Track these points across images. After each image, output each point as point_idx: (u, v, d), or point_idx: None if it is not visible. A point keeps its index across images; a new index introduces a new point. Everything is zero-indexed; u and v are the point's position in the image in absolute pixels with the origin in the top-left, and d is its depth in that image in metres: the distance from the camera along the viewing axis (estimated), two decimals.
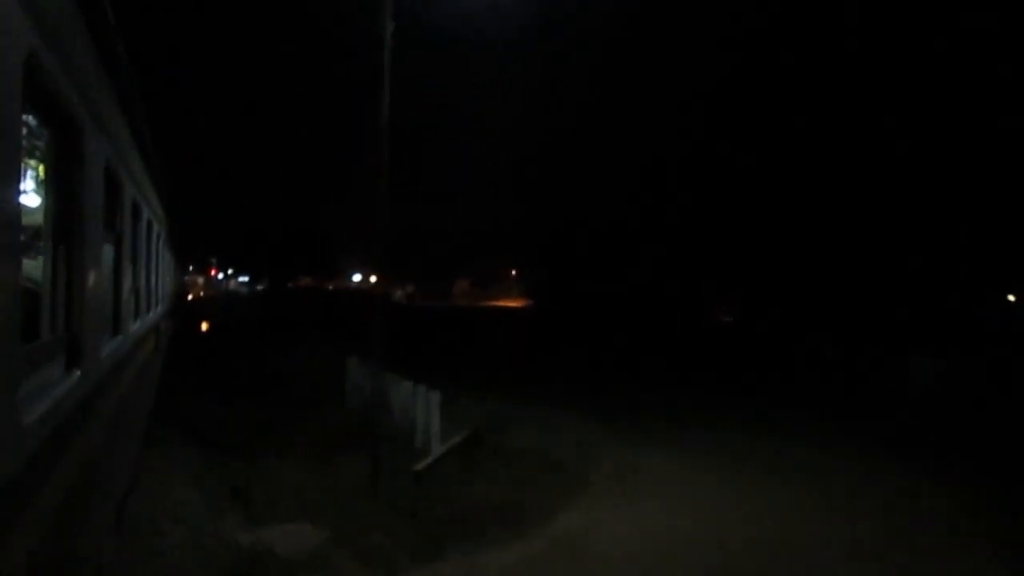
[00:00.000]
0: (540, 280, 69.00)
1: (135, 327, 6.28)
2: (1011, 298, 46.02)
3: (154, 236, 9.01)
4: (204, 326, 37.81)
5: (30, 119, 2.83)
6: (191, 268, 77.67)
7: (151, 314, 8.78)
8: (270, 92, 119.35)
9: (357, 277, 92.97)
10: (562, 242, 65.26)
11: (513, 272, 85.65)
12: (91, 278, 3.54)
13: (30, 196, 3.20)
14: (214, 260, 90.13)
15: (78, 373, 3.19)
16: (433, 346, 29.29)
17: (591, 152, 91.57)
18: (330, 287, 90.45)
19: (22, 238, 2.39)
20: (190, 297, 63.98)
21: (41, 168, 3.28)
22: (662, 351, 30.15)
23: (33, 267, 3.09)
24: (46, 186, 3.21)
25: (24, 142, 2.52)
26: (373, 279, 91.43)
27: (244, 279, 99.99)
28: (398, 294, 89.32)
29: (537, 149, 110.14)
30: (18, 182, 2.15)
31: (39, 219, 3.22)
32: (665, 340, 35.04)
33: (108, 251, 4.79)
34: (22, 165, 2.36)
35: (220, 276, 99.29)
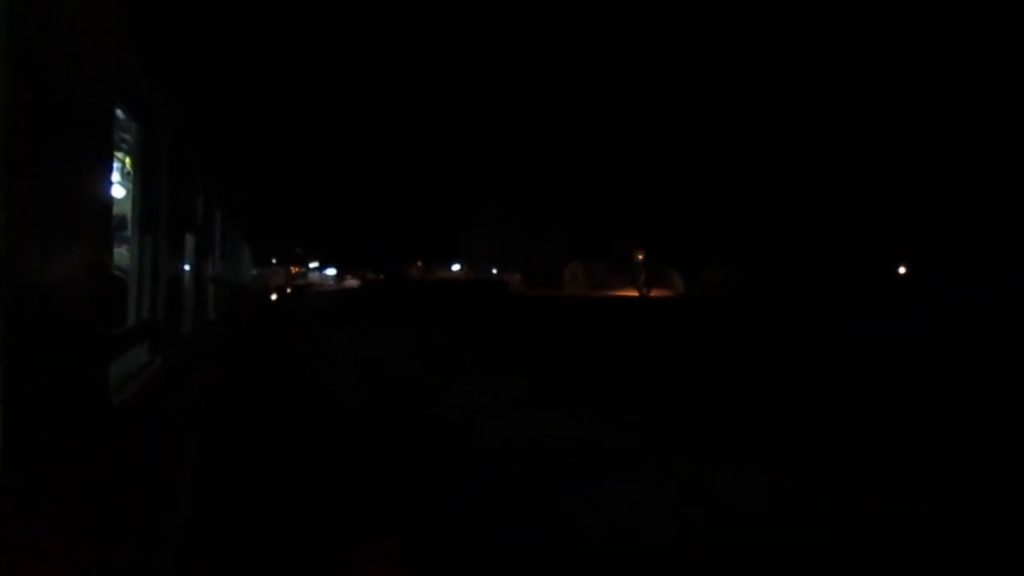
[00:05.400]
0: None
1: None
2: None
3: None
4: None
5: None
6: (273, 261, 70.19)
7: None
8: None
9: (456, 267, 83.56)
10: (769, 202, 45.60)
11: (640, 256, 73.60)
12: None
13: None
14: (300, 250, 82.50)
15: None
16: None
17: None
18: (422, 278, 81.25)
19: None
20: (273, 297, 53.85)
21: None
22: None
23: None
24: None
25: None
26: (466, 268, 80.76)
27: (330, 271, 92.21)
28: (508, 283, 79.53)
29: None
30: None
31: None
32: None
33: None
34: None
35: (302, 269, 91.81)
